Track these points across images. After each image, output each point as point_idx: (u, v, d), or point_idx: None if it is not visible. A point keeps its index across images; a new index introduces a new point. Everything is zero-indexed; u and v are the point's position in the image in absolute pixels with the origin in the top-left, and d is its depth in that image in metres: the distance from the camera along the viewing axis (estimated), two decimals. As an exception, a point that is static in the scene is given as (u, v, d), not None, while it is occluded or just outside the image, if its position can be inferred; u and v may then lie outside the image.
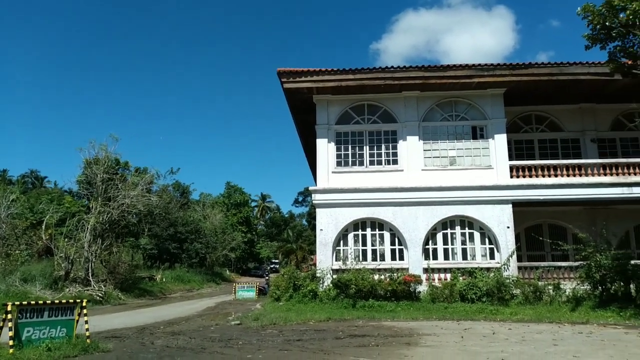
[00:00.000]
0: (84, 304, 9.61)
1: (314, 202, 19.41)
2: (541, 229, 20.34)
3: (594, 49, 14.24)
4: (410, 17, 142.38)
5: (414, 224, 18.41)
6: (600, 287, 15.22)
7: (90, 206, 26.05)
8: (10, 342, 8.26)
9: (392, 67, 18.75)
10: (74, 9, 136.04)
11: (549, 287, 16.20)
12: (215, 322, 14.24)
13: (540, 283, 16.41)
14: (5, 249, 25.68)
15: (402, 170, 19.16)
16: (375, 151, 19.57)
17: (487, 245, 18.39)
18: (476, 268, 17.51)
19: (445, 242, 18.61)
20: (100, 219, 24.58)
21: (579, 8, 13.78)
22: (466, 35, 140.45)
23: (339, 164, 19.50)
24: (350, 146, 19.67)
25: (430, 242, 18.59)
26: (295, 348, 9.41)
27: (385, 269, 17.84)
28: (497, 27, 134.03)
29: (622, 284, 14.90)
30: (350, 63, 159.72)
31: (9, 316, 8.40)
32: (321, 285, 17.66)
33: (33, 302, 9.32)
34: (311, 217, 60.97)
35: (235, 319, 14.45)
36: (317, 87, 19.18)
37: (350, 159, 19.57)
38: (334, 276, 17.54)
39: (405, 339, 10.26)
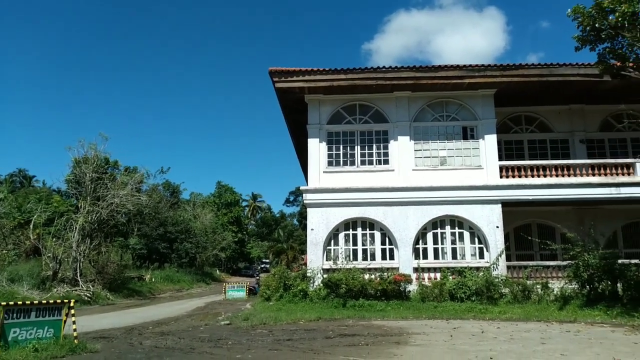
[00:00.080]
0: (71, 304, 9.51)
1: (305, 201, 19.42)
2: (530, 229, 20.52)
3: (583, 50, 14.37)
4: (402, 17, 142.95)
5: (405, 224, 18.47)
6: (587, 286, 15.36)
7: (79, 206, 25.81)
8: (-4, 343, 8.15)
9: (383, 67, 18.81)
10: (57, 8, 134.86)
11: (538, 286, 16.34)
12: (205, 322, 14.18)
13: (528, 282, 16.56)
14: (-7, 249, 25.35)
15: (393, 170, 19.22)
16: (366, 151, 19.62)
17: (477, 245, 18.50)
18: (466, 267, 17.61)
19: (435, 242, 18.70)
20: (89, 218, 24.35)
21: (569, 10, 13.90)
22: (457, 36, 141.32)
23: (330, 163, 19.51)
24: (341, 146, 19.70)
25: (420, 241, 18.67)
26: (285, 348, 9.39)
27: (375, 269, 17.89)
28: (488, 28, 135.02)
29: (609, 283, 15.03)
30: (342, 63, 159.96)
31: (-5, 317, 8.29)
32: (312, 285, 17.66)
33: (20, 303, 9.22)
34: (302, 216, 60.96)
35: (225, 319, 14.40)
36: (309, 87, 19.18)
37: (341, 159, 19.59)
38: (325, 276, 17.55)
39: (394, 338, 10.29)
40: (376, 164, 19.47)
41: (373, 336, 10.59)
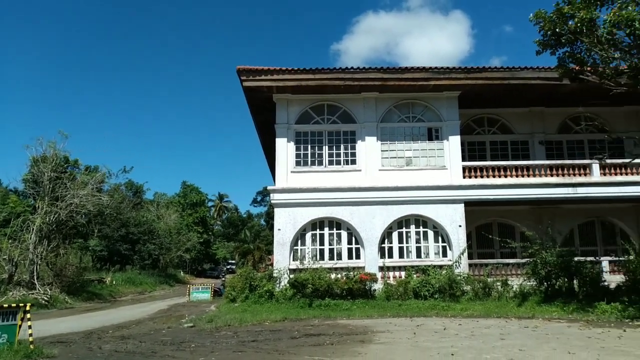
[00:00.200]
0: (27, 308, 9.15)
1: (272, 201, 19.32)
2: (491, 228, 21.06)
3: (544, 54, 14.80)
4: (371, 19, 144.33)
5: (371, 223, 18.63)
6: (545, 283, 15.83)
7: (37, 206, 24.92)
8: (-57, 350, 7.74)
9: (352, 68, 18.93)
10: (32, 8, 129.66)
11: (498, 283, 16.77)
12: (168, 325, 13.90)
13: (489, 279, 16.98)
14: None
15: (360, 170, 19.36)
16: (334, 151, 19.68)
17: (440, 244, 18.85)
18: (429, 266, 17.91)
19: (400, 241, 18.94)
20: (47, 219, 23.52)
21: (531, 14, 14.27)
22: (424, 39, 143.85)
23: (298, 163, 19.47)
24: (309, 146, 19.69)
25: (386, 240, 18.88)
26: (250, 349, 9.30)
27: (342, 268, 17.96)
28: (453, 31, 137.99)
29: (566, 279, 15.52)
30: (311, 63, 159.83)
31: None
32: (278, 286, 17.57)
33: (-30, 307, 8.78)
34: (269, 217, 60.59)
35: (189, 321, 14.15)
36: (277, 86, 19.08)
37: (309, 159, 19.59)
38: (291, 276, 17.50)
39: (359, 337, 10.36)
40: (344, 164, 19.56)
41: (338, 335, 10.62)
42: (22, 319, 9.03)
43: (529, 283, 16.25)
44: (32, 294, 20.96)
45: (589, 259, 16.30)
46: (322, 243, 18.96)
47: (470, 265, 18.27)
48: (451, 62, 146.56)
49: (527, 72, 18.68)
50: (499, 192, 18.87)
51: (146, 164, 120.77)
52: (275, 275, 17.92)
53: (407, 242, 18.94)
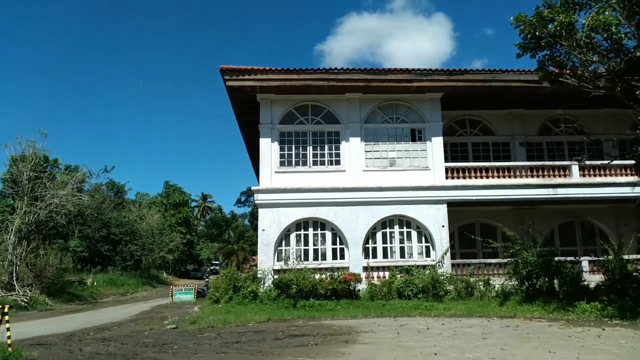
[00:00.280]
0: (6, 309, 8.96)
1: (256, 202, 19.26)
2: (473, 228, 21.30)
3: (524, 57, 15.01)
4: (354, 20, 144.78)
5: (355, 224, 18.70)
6: (526, 283, 16.05)
7: (16, 206, 24.49)
8: None
9: (335, 68, 18.99)
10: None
11: (480, 283, 16.97)
12: (150, 327, 13.75)
13: (471, 279, 17.17)
14: None
15: (344, 171, 19.41)
16: (318, 151, 19.70)
17: (424, 244, 19.01)
18: (413, 266, 18.04)
19: (384, 241, 19.05)
20: (26, 219, 23.11)
21: (511, 18, 14.50)
22: (407, 41, 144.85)
23: (282, 163, 19.45)
24: (293, 146, 19.68)
25: (370, 241, 18.96)
26: (233, 351, 9.26)
27: (326, 268, 17.99)
28: (435, 33, 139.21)
29: (546, 279, 15.75)
30: (295, 63, 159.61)
31: None
32: (262, 286, 17.52)
33: (-54, 309, 8.58)
34: (254, 217, 60.36)
35: (171, 323, 14.02)
36: (261, 86, 19.03)
37: (293, 159, 19.58)
38: (276, 276, 17.46)
39: (343, 337, 10.39)
40: (328, 164, 19.59)
41: (322, 336, 10.64)
42: (0, 321, 8.84)
43: (510, 283, 16.47)
44: (11, 295, 20.58)
45: (569, 258, 16.60)
46: (306, 243, 18.96)
47: (453, 265, 18.46)
48: (433, 64, 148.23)
49: (508, 74, 18.95)
50: (481, 192, 19.11)
51: (128, 164, 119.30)
52: (259, 275, 17.86)
53: (391, 243, 19.05)
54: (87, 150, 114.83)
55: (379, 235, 19.07)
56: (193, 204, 74.00)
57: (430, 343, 9.37)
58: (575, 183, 19.30)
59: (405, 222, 19.18)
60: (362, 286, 17.48)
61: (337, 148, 19.73)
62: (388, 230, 19.14)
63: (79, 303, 25.37)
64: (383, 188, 18.93)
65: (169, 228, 53.10)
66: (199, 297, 25.30)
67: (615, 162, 18.56)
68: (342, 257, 18.72)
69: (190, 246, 62.81)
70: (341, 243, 18.87)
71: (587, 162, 19.29)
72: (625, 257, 15.00)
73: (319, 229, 19.11)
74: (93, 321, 16.15)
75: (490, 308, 14.84)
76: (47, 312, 20.47)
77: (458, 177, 19.37)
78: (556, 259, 15.95)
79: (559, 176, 19.57)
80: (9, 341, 8.73)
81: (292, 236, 18.94)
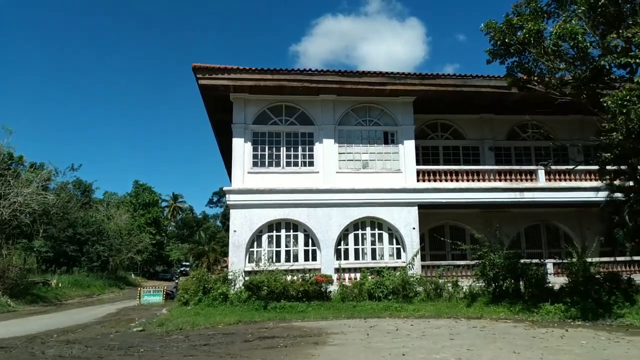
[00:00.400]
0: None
1: (228, 202, 19.06)
2: (443, 230, 21.66)
3: (494, 63, 15.28)
4: (329, 22, 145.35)
5: (328, 225, 18.72)
6: (493, 284, 16.38)
7: (-24, 204, 23.48)
8: None
9: (310, 69, 18.99)
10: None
11: (449, 284, 17.23)
12: (116, 329, 13.41)
13: (440, 281, 17.42)
14: None
15: (317, 172, 19.42)
16: (292, 152, 19.65)
17: (395, 246, 19.19)
18: (384, 267, 18.19)
19: (356, 243, 19.14)
20: (-13, 218, 22.25)
21: (482, 24, 14.78)
22: (381, 44, 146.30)
23: (255, 164, 19.31)
24: (267, 147, 19.58)
25: (342, 242, 19.02)
26: (202, 353, 9.12)
27: (298, 270, 17.95)
28: (409, 37, 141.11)
29: (512, 281, 16.10)
30: (269, 63, 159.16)
31: None
32: (233, 288, 17.35)
33: None
34: (225, 218, 59.69)
35: (138, 325, 13.71)
36: (234, 85, 18.87)
37: (266, 160, 19.47)
38: (247, 278, 17.32)
39: (313, 339, 10.37)
40: (301, 165, 19.57)
41: (292, 337, 10.60)
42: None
43: (478, 284, 16.76)
44: (-30, 297, 19.76)
45: (534, 261, 16.96)
46: (278, 245, 18.87)
47: (423, 266, 18.69)
48: (407, 67, 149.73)
49: (478, 80, 19.34)
50: (451, 195, 19.42)
51: (96, 162, 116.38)
52: (230, 277, 17.68)
53: (362, 244, 19.16)
54: (54, 148, 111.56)
55: (351, 236, 19.15)
56: (163, 204, 72.76)
57: (399, 344, 9.45)
58: (542, 187, 19.83)
59: (377, 224, 19.33)
60: (333, 288, 17.52)
61: (311, 149, 19.73)
62: (360, 232, 19.24)
63: (43, 305, 24.58)
64: (356, 190, 19.02)
65: (138, 228, 51.99)
66: (167, 299, 24.83)
67: (579, 167, 19.10)
68: (314, 258, 18.71)
69: (159, 247, 61.67)
70: (313, 244, 18.86)
71: (553, 167, 19.84)
72: (589, 260, 15.46)
73: (291, 230, 19.05)
74: (57, 323, 15.67)
75: (458, 309, 15.07)
76: (9, 314, 19.76)
77: (429, 180, 19.63)
78: (522, 261, 16.32)
79: (526, 180, 20.08)
80: (-36, 345, 8.39)
81: (264, 237, 18.82)
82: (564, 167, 20.18)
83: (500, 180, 20.01)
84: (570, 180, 20.12)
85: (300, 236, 19.00)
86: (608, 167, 14.85)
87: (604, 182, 15.51)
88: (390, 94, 19.73)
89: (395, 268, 18.30)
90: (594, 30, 13.52)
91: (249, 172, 19.12)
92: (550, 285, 15.96)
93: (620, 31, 12.97)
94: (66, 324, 15.38)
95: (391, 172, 19.69)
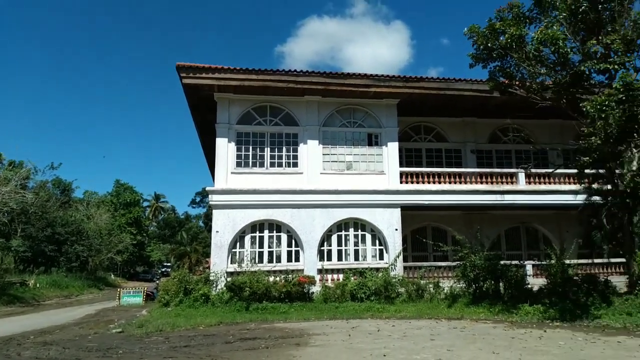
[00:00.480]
0: None
1: (211, 203, 18.91)
2: (425, 232, 21.85)
3: (477, 67, 15.55)
4: (315, 23, 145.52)
5: (311, 226, 18.71)
6: (473, 285, 16.53)
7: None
8: None
9: (295, 70, 18.95)
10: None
11: (430, 285, 17.36)
12: (94, 331, 13.20)
13: (422, 282, 17.54)
14: None
15: (301, 173, 19.39)
16: (276, 153, 19.59)
17: (377, 247, 19.27)
18: (367, 268, 18.25)
19: (339, 244, 19.16)
20: (-38, 217, 21.69)
21: (465, 29, 14.99)
22: (366, 46, 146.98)
23: (239, 164, 19.20)
24: (251, 147, 19.48)
25: (325, 243, 19.02)
26: (182, 355, 9.02)
27: (280, 271, 17.89)
28: (394, 40, 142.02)
29: (492, 282, 16.27)
30: (254, 64, 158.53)
31: None
32: (214, 289, 17.22)
33: None
34: (208, 218, 59.19)
35: (117, 327, 13.51)
36: (218, 85, 18.74)
37: (250, 160, 19.37)
38: (229, 279, 17.20)
39: (295, 340, 10.35)
40: (285, 166, 19.52)
41: (274, 339, 10.56)
42: None
43: (459, 285, 16.91)
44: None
45: (514, 262, 17.14)
46: (261, 246, 18.79)
47: (405, 267, 18.79)
48: (391, 70, 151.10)
49: (461, 83, 19.55)
50: (433, 197, 19.58)
51: (76, 161, 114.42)
52: (212, 278, 17.54)
53: (345, 245, 19.19)
54: (33, 146, 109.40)
55: (334, 237, 19.16)
56: (145, 203, 71.89)
57: (380, 345, 9.48)
58: (522, 190, 20.11)
59: (360, 225, 19.39)
60: (316, 289, 17.51)
61: (295, 150, 19.70)
62: (343, 233, 19.28)
63: (20, 305, 24.11)
64: (339, 191, 19.05)
65: (119, 228, 51.32)
66: (148, 300, 24.53)
67: (559, 170, 19.47)
68: (297, 259, 18.68)
69: (140, 247, 60.92)
70: (296, 245, 18.83)
71: (533, 170, 20.20)
72: (567, 261, 15.67)
73: (274, 231, 18.99)
74: (34, 324, 15.38)
75: (439, 310, 15.19)
76: (-16, 315, 19.31)
77: (412, 182, 19.76)
78: (502, 262, 16.48)
79: (507, 183, 20.35)
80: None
81: (247, 238, 18.73)
82: (543, 171, 20.51)
83: (481, 182, 20.24)
84: (550, 183, 20.45)
85: (284, 237, 18.95)
86: (587, 171, 15.19)
87: (583, 185, 15.83)
88: (374, 96, 19.82)
89: (377, 269, 18.38)
90: (574, 36, 13.81)
91: (232, 173, 19.01)
92: (529, 286, 16.19)
93: (600, 37, 13.29)
94: (44, 325, 15.10)
95: (375, 174, 19.77)
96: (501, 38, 14.40)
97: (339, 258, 18.99)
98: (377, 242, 19.32)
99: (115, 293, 28.57)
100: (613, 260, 19.70)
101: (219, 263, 17.96)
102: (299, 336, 10.88)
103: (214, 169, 19.31)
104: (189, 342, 10.43)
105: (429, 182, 19.83)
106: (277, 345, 9.72)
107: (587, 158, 13.84)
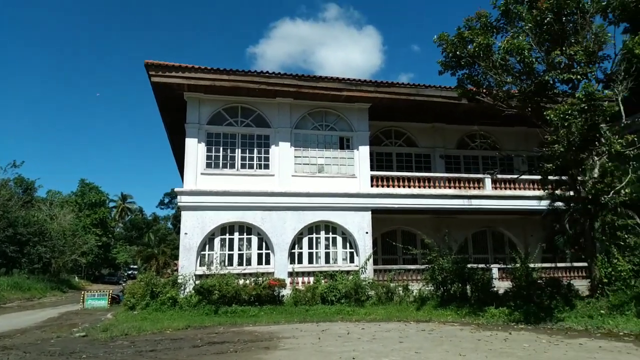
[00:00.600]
0: None
1: (179, 204, 18.60)
2: (395, 235, 22.11)
3: (446, 74, 15.88)
4: (288, 25, 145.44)
5: (282, 229, 18.65)
6: (442, 288, 16.81)
7: None
8: None
9: (267, 72, 18.86)
10: None
11: (400, 288, 17.56)
12: (57, 335, 12.78)
13: (392, 285, 17.72)
14: None
15: (273, 175, 19.31)
16: (247, 154, 19.46)
17: (348, 250, 19.37)
18: (337, 271, 18.32)
19: (310, 247, 19.17)
20: None
21: (435, 36, 15.26)
22: (339, 50, 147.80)
23: (209, 165, 18.97)
24: (221, 148, 19.28)
25: (296, 246, 19.00)
26: (148, 359, 8.83)
27: (251, 274, 17.73)
28: (366, 45, 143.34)
29: (460, 285, 16.56)
30: (226, 64, 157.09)
31: None
32: (182, 292, 16.94)
33: None
34: (177, 220, 58.15)
35: (81, 331, 13.12)
36: (188, 84, 18.48)
37: (221, 161, 19.17)
38: (197, 282, 16.96)
39: (264, 343, 10.29)
40: (257, 168, 19.41)
41: (243, 342, 10.46)
42: None
43: (427, 288, 17.15)
44: None
45: (480, 266, 17.52)
46: (231, 248, 18.61)
47: (375, 270, 18.95)
48: (363, 74, 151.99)
49: (431, 90, 19.92)
50: (403, 201, 19.83)
51: (40, 159, 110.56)
52: (180, 281, 17.26)
53: (316, 248, 19.22)
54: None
55: (305, 240, 19.16)
56: (111, 204, 70.13)
57: (350, 347, 9.53)
58: (488, 195, 20.60)
59: (331, 228, 19.45)
60: (286, 292, 17.45)
61: (267, 152, 19.62)
62: (314, 235, 19.30)
63: (-23, 309, 23.06)
64: (311, 194, 19.06)
65: (83, 229, 49.89)
66: (113, 304, 23.91)
67: (524, 176, 20.03)
68: (268, 262, 18.59)
69: (106, 249, 59.40)
70: (267, 248, 18.73)
71: (499, 176, 20.72)
72: (531, 265, 16.07)
73: (244, 234, 18.84)
74: (-8, 329, 14.74)
75: (408, 312, 15.37)
76: (-63, 319, 18.39)
77: (382, 186, 19.97)
78: (469, 266, 16.82)
79: (474, 188, 20.81)
80: None
81: (217, 240, 18.51)
82: (509, 176, 21.07)
83: (450, 187, 20.63)
84: (515, 189, 21.01)
85: (254, 239, 18.83)
86: (550, 177, 15.65)
87: (546, 191, 16.28)
88: (346, 100, 19.94)
89: (348, 272, 18.47)
90: (539, 47, 14.24)
91: (202, 174, 18.76)
92: (495, 289, 16.54)
93: (564, 48, 13.75)
94: (4, 329, 14.50)
95: (346, 177, 19.89)
96: (469, 46, 14.73)
97: (310, 261, 19.00)
98: (347, 245, 19.42)
99: (79, 296, 27.70)
100: (575, 264, 20.38)
101: (188, 266, 17.69)
102: (268, 340, 10.82)
103: (183, 169, 19.02)
104: (156, 346, 10.22)
105: (399, 186, 20.08)
106: (246, 349, 9.64)
107: (551, 165, 14.25)
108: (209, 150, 19.09)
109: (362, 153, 20.13)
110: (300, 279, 18.31)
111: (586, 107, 12.63)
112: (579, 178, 14.60)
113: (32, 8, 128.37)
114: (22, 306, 26.11)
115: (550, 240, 21.52)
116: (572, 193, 15.23)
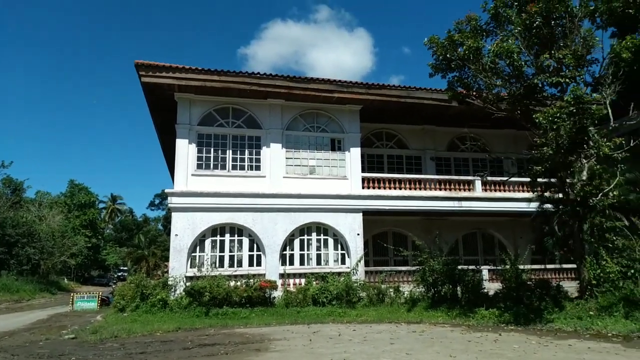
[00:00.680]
0: None
1: (170, 205, 18.51)
2: (386, 236, 22.18)
3: (436, 77, 15.99)
4: (279, 27, 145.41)
5: (273, 230, 18.62)
6: (432, 290, 16.88)
7: None
8: None
9: (258, 73, 18.82)
10: None
11: (391, 289, 17.61)
12: (46, 337, 12.64)
13: (383, 286, 17.77)
14: None
15: (264, 177, 19.29)
16: (238, 156, 19.42)
17: (339, 251, 19.40)
18: (329, 273, 18.32)
19: (302, 248, 19.17)
20: None
21: (426, 39, 15.36)
22: (330, 52, 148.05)
23: (199, 166, 18.90)
24: (212, 149, 19.23)
25: (287, 247, 18.99)
26: (138, 361, 8.79)
27: (242, 275, 17.69)
28: (357, 47, 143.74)
29: (450, 286, 16.65)
30: (217, 64, 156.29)
31: None
32: (173, 294, 16.85)
33: None
34: (167, 221, 57.74)
35: (70, 333, 13.00)
36: (179, 85, 18.40)
37: (212, 162, 19.11)
38: (188, 284, 16.87)
39: (255, 345, 10.27)
40: (248, 169, 19.37)
41: (234, 344, 10.44)
42: None
43: (418, 289, 17.22)
44: None
45: (471, 267, 17.65)
46: (222, 250, 18.55)
47: (366, 272, 18.99)
48: (354, 76, 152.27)
49: (422, 92, 20.04)
50: (394, 203, 19.91)
51: (29, 160, 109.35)
52: (170, 283, 17.16)
53: (308, 250, 19.21)
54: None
55: (296, 242, 19.15)
56: (101, 205, 69.69)
57: (341, 349, 9.54)
58: (478, 197, 20.74)
59: (322, 229, 19.46)
60: (278, 293, 17.43)
61: (258, 153, 19.59)
62: (306, 237, 19.30)
63: (-36, 311, 22.75)
64: (302, 195, 19.06)
65: (72, 230, 49.42)
66: (103, 306, 23.70)
67: (513, 179, 20.20)
68: (259, 263, 18.55)
69: (95, 251, 58.90)
70: (258, 250, 18.69)
71: (489, 178, 20.86)
72: (521, 267, 16.17)
73: (235, 235, 18.79)
74: (-21, 331, 14.56)
75: (399, 314, 15.42)
76: None
77: (374, 187, 20.03)
78: (459, 267, 16.91)
79: (464, 190, 20.93)
80: None
81: (208, 242, 18.45)
82: (498, 179, 21.24)
83: (440, 189, 20.74)
84: (505, 191, 21.16)
85: (245, 241, 18.79)
86: (539, 180, 15.77)
87: (536, 193, 16.41)
88: (337, 102, 19.98)
89: (339, 273, 18.48)
90: (528, 50, 14.39)
91: (193, 175, 18.69)
92: (485, 290, 16.63)
93: (553, 52, 13.90)
94: (-10, 332, 14.34)
95: (337, 179, 19.92)
96: (459, 49, 14.85)
97: (301, 262, 19.00)
98: (339, 246, 19.44)
99: (68, 298, 27.44)
100: (565, 266, 20.58)
101: (178, 267, 17.61)
102: (259, 341, 10.80)
103: (174, 170, 18.92)
104: (146, 348, 10.16)
105: (390, 188, 20.14)
106: (236, 351, 9.62)
107: (540, 167, 14.38)
108: (199, 151, 19.03)
109: (354, 155, 20.18)
110: (291, 281, 18.30)
111: (575, 110, 12.78)
112: (568, 180, 14.73)
113: (32, 8, 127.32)
114: (10, 308, 25.81)
115: (540, 242, 21.69)
116: (561, 195, 15.36)
